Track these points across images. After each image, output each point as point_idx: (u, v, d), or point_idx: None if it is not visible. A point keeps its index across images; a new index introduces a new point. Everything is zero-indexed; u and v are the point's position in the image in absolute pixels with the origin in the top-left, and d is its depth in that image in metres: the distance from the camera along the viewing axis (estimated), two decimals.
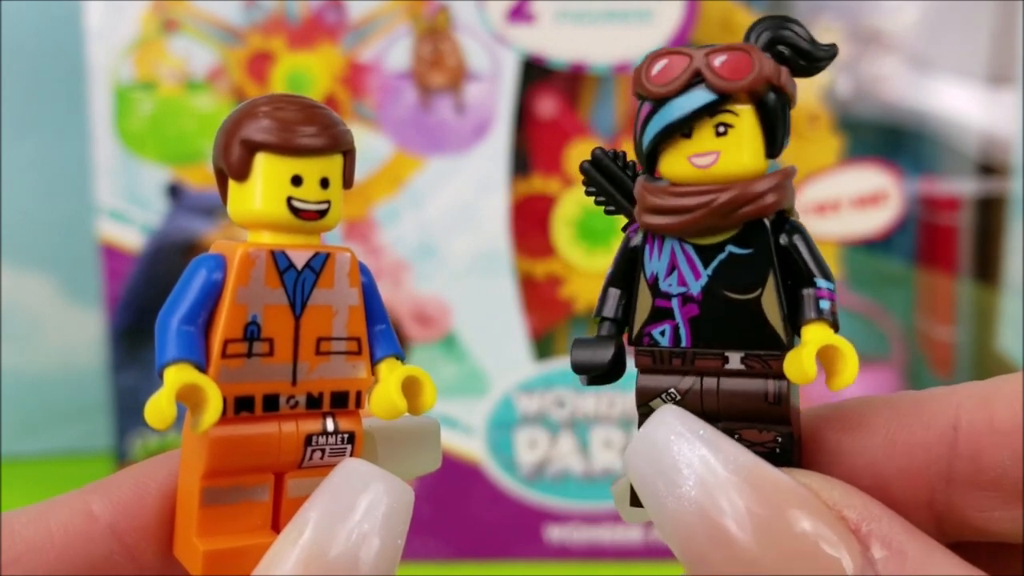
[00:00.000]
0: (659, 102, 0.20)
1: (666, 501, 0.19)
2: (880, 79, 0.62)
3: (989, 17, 0.62)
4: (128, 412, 0.57)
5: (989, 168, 0.63)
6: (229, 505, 0.21)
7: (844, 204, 0.57)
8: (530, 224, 0.56)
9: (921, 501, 0.20)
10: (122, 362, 0.57)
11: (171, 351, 0.20)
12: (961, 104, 0.63)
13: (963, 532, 0.20)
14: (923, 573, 0.18)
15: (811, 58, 0.21)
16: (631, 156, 0.22)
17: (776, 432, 0.20)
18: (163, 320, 0.20)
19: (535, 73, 0.56)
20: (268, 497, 0.21)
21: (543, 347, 0.58)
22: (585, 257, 0.57)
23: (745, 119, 0.20)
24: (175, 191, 0.56)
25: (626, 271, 0.22)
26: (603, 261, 0.56)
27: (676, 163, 0.20)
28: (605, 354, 0.21)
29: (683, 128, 0.20)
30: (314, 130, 0.21)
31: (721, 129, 0.20)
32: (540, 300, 0.57)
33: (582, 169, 0.23)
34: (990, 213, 0.64)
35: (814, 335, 0.20)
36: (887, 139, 0.64)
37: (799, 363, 0.19)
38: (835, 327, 0.20)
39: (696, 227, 0.20)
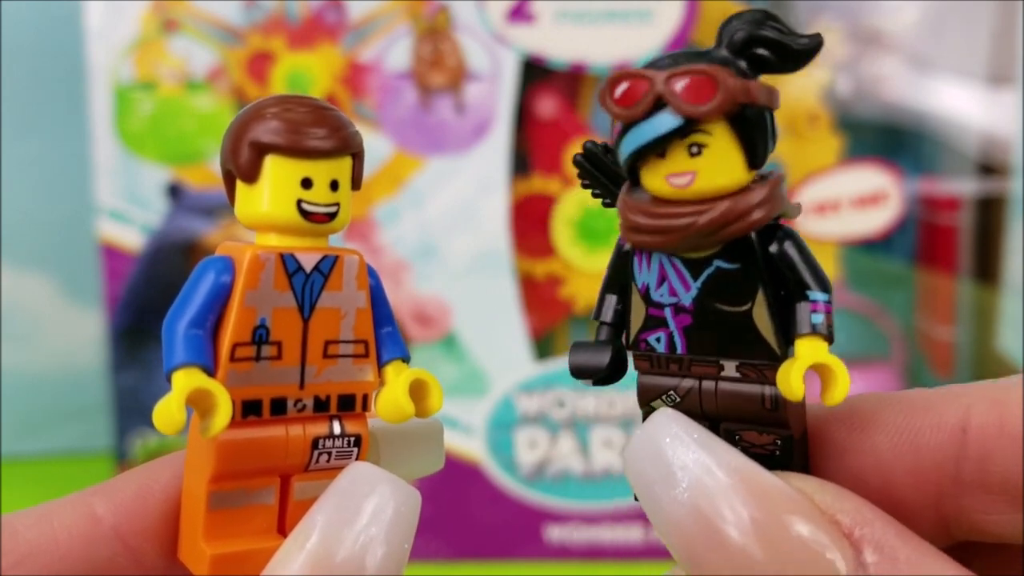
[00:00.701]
0: (625, 124, 0.20)
1: (662, 502, 0.19)
2: (880, 79, 0.62)
3: (989, 17, 0.62)
4: (128, 412, 0.57)
5: (989, 168, 0.63)
6: (235, 508, 0.21)
7: (844, 204, 0.57)
8: (530, 224, 0.56)
9: (928, 502, 0.20)
10: (122, 362, 0.57)
11: (180, 355, 0.19)
12: (961, 104, 0.63)
13: (969, 533, 0.20)
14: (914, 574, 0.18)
15: (791, 55, 0.20)
16: None
17: (776, 435, 0.20)
18: (171, 323, 0.20)
19: (535, 73, 0.56)
20: (274, 500, 0.21)
21: (543, 347, 0.58)
22: (585, 257, 0.57)
23: (719, 136, 0.19)
24: (175, 191, 0.56)
25: (620, 276, 0.22)
26: (603, 261, 0.56)
27: (654, 181, 0.20)
28: (603, 358, 0.21)
29: (655, 149, 0.19)
30: (324, 132, 0.20)
31: (695, 149, 0.19)
32: (540, 300, 0.57)
33: (575, 162, 0.22)
34: (990, 213, 0.64)
35: (805, 351, 0.19)
36: (887, 139, 0.64)
37: (787, 380, 0.19)
38: (829, 340, 0.20)
39: (678, 247, 0.20)
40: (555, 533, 0.57)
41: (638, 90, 0.19)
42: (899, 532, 0.18)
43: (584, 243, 0.57)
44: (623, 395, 0.56)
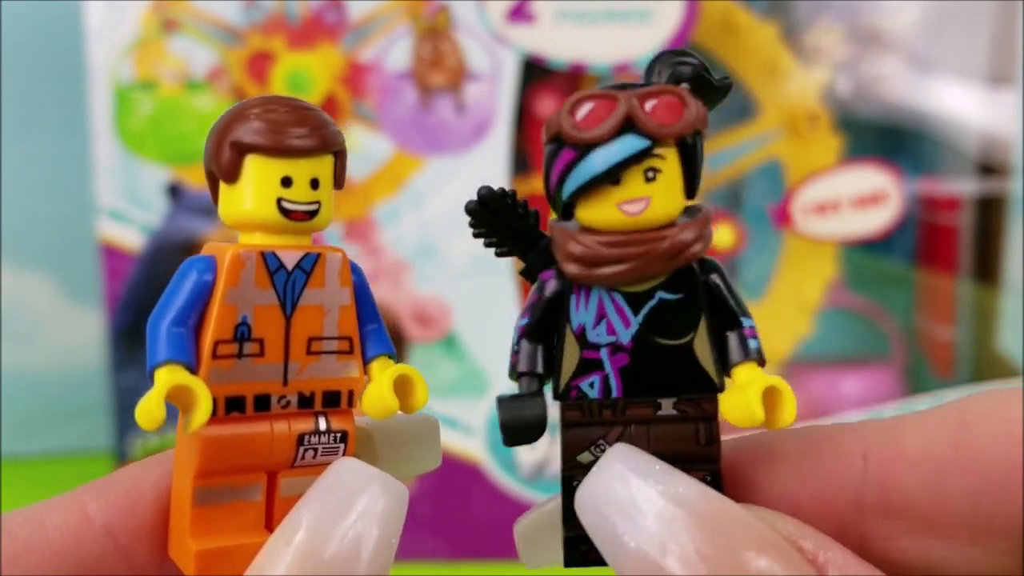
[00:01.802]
0: (585, 148, 0.19)
1: (625, 539, 0.18)
2: (880, 79, 0.62)
3: (989, 17, 0.62)
4: (128, 412, 0.57)
5: (989, 168, 0.63)
6: (222, 505, 0.21)
7: (844, 204, 0.57)
8: None
9: (832, 530, 0.20)
10: (122, 362, 0.57)
11: (161, 353, 0.20)
12: (961, 104, 0.63)
13: (877, 564, 0.20)
14: None
15: (710, 91, 0.20)
16: (521, 194, 0.21)
17: (705, 471, 0.20)
18: (154, 322, 0.20)
19: (535, 73, 0.56)
20: (261, 497, 0.21)
21: None
22: None
23: (670, 162, 0.19)
24: (175, 191, 0.56)
25: (544, 322, 0.20)
26: None
27: (603, 210, 0.19)
28: (535, 409, 0.20)
29: (615, 174, 0.19)
30: (304, 131, 0.21)
31: (650, 175, 0.19)
32: None
33: (467, 210, 0.21)
34: (990, 213, 0.64)
35: (752, 376, 0.20)
36: (887, 139, 0.64)
37: (746, 406, 0.19)
38: (762, 364, 0.20)
39: (635, 276, 0.20)
40: None
41: (604, 110, 0.19)
42: (855, 557, 0.19)
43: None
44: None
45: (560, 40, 0.54)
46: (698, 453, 0.20)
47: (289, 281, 0.21)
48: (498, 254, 0.22)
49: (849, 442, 0.20)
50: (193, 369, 0.20)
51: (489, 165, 0.55)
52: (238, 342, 0.20)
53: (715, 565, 0.18)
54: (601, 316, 0.20)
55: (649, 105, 0.19)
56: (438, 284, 0.56)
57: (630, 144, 0.19)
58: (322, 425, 0.21)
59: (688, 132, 0.19)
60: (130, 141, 0.56)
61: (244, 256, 0.20)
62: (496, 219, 0.21)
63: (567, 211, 0.20)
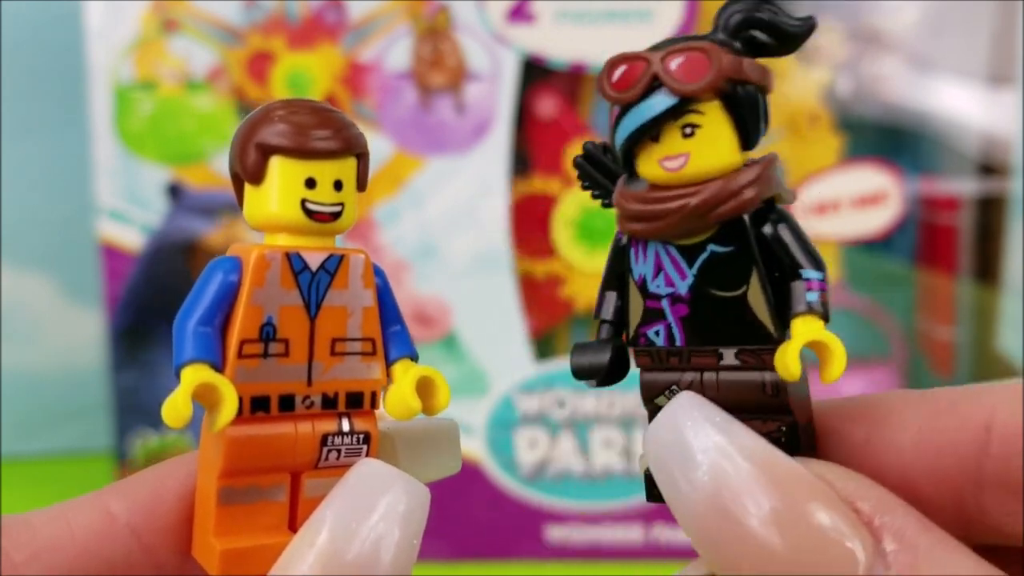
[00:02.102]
0: (623, 108, 0.20)
1: (681, 486, 0.19)
2: (880, 79, 0.62)
3: (989, 17, 0.62)
4: (128, 412, 0.57)
5: (989, 168, 0.63)
6: (246, 505, 0.21)
7: (844, 204, 0.57)
8: (530, 224, 0.56)
9: (948, 501, 0.19)
10: (122, 362, 0.57)
11: (188, 351, 0.20)
12: (961, 104, 0.63)
13: (988, 534, 0.20)
14: (933, 566, 0.18)
15: (786, 36, 0.20)
16: None
17: (779, 422, 0.20)
18: (180, 322, 0.20)
19: (535, 73, 0.56)
20: (285, 497, 0.21)
21: (543, 347, 0.58)
22: (585, 257, 0.57)
23: (712, 116, 0.20)
24: (175, 191, 0.56)
25: (618, 272, 0.22)
26: (603, 261, 0.56)
27: (649, 166, 0.20)
28: (603, 358, 0.21)
29: (650, 132, 0.20)
30: (328, 133, 0.21)
31: (688, 130, 0.20)
32: (540, 300, 0.57)
33: (575, 164, 0.23)
34: (990, 213, 0.64)
35: (800, 330, 0.19)
36: (887, 139, 0.64)
37: (783, 360, 0.19)
38: (825, 318, 0.20)
39: (672, 231, 0.20)
40: (555, 533, 0.57)
41: (635, 72, 0.20)
42: (919, 521, 0.18)
43: (584, 243, 0.57)
44: (623, 395, 0.56)
45: (560, 40, 0.54)
46: (768, 403, 0.20)
47: (314, 282, 0.21)
48: (604, 205, 0.23)
49: (973, 412, 0.20)
50: (219, 368, 0.20)
51: (489, 165, 0.55)
52: (263, 342, 0.20)
53: (762, 517, 0.18)
54: (659, 268, 0.21)
55: (674, 64, 0.19)
56: (438, 284, 0.56)
57: (659, 102, 0.19)
58: (345, 426, 0.21)
59: (717, 86, 0.19)
60: (130, 141, 0.56)
61: (270, 256, 0.20)
62: (599, 171, 0.22)
63: (629, 166, 0.21)
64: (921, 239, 0.65)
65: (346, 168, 0.21)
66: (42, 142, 0.68)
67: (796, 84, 0.57)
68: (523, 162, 0.57)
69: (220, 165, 0.55)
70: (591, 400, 0.56)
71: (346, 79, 0.55)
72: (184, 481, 0.21)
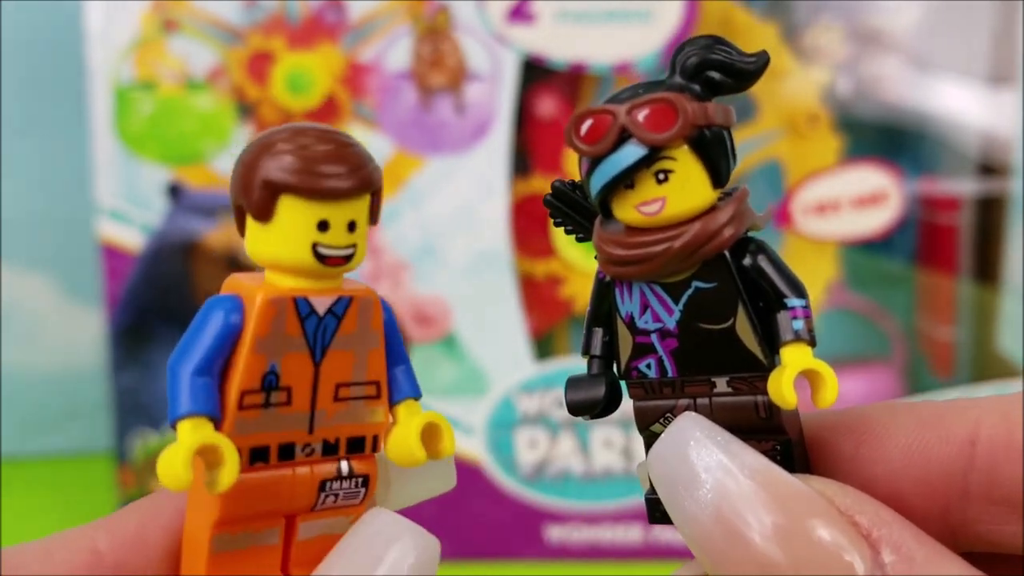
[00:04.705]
0: (592, 160, 0.20)
1: (685, 504, 0.19)
2: (880, 79, 0.62)
3: (989, 17, 0.62)
4: (128, 412, 0.57)
5: (989, 168, 0.63)
6: (238, 551, 0.20)
7: (844, 204, 0.57)
8: (530, 224, 0.56)
9: (935, 512, 0.20)
10: (122, 362, 0.57)
11: (185, 404, 0.19)
12: (961, 104, 0.63)
13: (974, 543, 0.20)
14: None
15: (742, 74, 0.20)
16: None
17: (774, 441, 0.21)
18: (175, 366, 0.19)
19: (535, 73, 0.56)
20: (278, 540, 0.21)
21: (543, 347, 0.58)
22: (585, 257, 0.57)
23: (683, 161, 0.20)
24: (175, 191, 0.56)
25: (604, 307, 0.22)
26: None
27: (626, 211, 0.21)
28: (598, 392, 0.22)
29: (624, 181, 0.20)
30: (343, 171, 0.19)
31: (661, 176, 0.20)
32: (540, 300, 0.57)
33: (546, 203, 0.23)
34: (990, 213, 0.64)
35: (791, 359, 0.20)
36: (887, 139, 0.64)
37: (778, 389, 0.20)
38: (812, 344, 0.20)
39: (656, 273, 0.21)
40: (555, 533, 0.57)
41: (602, 125, 0.20)
42: (915, 534, 0.19)
43: (584, 243, 0.56)
44: (623, 395, 0.56)
45: (560, 40, 0.54)
46: (763, 424, 0.21)
47: (320, 327, 0.20)
48: (578, 240, 0.23)
49: (959, 425, 0.20)
50: (217, 420, 0.19)
51: (489, 165, 0.55)
52: (265, 391, 0.19)
53: (764, 533, 0.18)
54: (645, 306, 0.21)
55: (641, 116, 0.20)
56: (438, 284, 0.56)
57: (630, 153, 0.20)
58: (344, 470, 0.21)
59: (686, 134, 0.20)
60: (130, 141, 0.56)
61: (276, 302, 0.19)
62: (571, 208, 0.23)
63: (605, 211, 0.21)
64: (921, 239, 0.65)
65: (360, 207, 0.20)
66: (42, 142, 0.68)
67: (796, 84, 0.57)
68: (523, 162, 0.57)
69: (220, 165, 0.55)
70: None
71: (346, 79, 0.55)
72: (172, 519, 0.21)
